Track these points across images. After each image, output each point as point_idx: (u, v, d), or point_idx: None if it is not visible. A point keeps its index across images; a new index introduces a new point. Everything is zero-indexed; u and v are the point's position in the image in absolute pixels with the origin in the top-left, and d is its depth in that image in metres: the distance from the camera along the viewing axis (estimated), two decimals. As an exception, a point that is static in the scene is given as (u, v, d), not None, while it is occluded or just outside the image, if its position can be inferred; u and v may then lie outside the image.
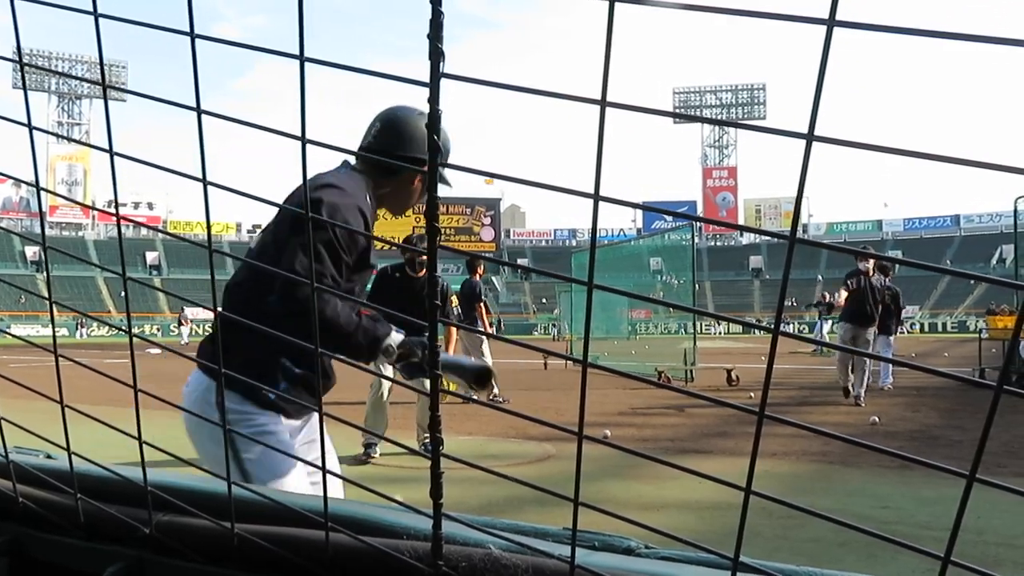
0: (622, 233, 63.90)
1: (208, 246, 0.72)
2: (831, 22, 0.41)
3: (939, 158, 0.43)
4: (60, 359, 0.87)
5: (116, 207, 0.76)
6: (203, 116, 0.66)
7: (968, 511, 0.43)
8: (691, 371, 12.89)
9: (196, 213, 61.69)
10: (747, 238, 73.15)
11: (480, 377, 1.96)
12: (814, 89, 0.43)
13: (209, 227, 0.66)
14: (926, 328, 51.23)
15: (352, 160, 2.16)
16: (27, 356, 20.36)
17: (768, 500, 0.53)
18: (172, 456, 0.84)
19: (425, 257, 0.95)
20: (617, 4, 0.48)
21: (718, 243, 73.22)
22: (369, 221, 2.04)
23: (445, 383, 1.92)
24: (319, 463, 0.71)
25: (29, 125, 0.81)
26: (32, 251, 60.50)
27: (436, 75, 0.57)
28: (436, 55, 0.56)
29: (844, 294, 9.36)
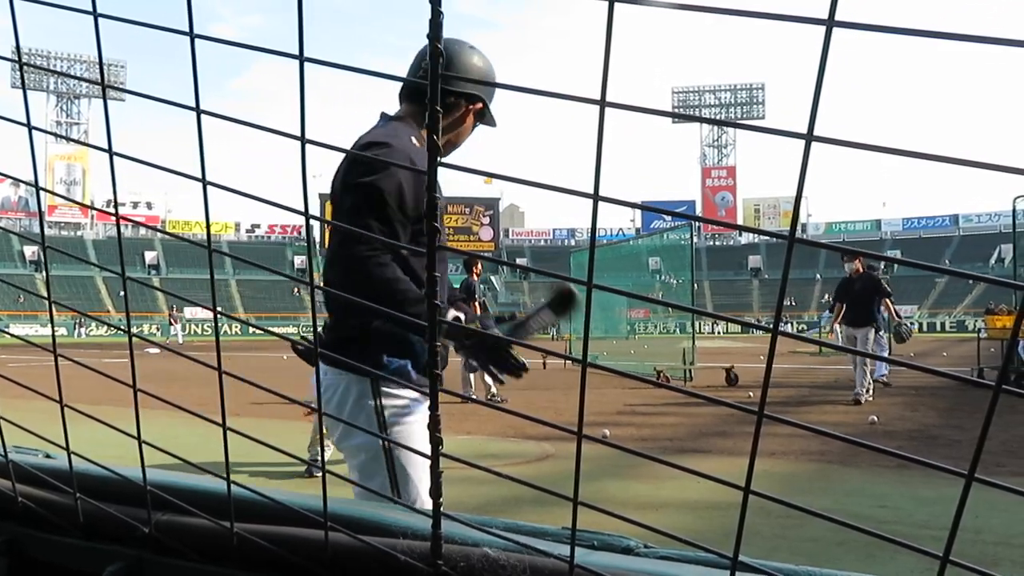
0: (621, 233, 63.78)
1: (208, 246, 0.72)
2: (830, 22, 0.42)
3: (938, 158, 0.43)
4: (59, 359, 0.87)
5: (115, 207, 0.76)
6: (202, 116, 0.66)
7: (966, 510, 0.43)
8: (690, 370, 12.90)
9: (195, 213, 61.79)
10: (746, 238, 73.05)
11: (563, 302, 1.99)
12: (813, 89, 0.43)
13: (208, 227, 0.66)
14: (924, 328, 51.19)
15: (390, 112, 2.12)
16: (26, 356, 20.33)
17: (767, 499, 0.53)
18: (172, 456, 0.84)
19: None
20: (616, 4, 0.48)
21: (717, 243, 73.11)
22: (419, 166, 1.96)
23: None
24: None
25: (28, 125, 0.81)
26: (31, 250, 60.38)
27: (436, 75, 0.57)
28: (436, 55, 0.56)
29: (839, 306, 10.03)
